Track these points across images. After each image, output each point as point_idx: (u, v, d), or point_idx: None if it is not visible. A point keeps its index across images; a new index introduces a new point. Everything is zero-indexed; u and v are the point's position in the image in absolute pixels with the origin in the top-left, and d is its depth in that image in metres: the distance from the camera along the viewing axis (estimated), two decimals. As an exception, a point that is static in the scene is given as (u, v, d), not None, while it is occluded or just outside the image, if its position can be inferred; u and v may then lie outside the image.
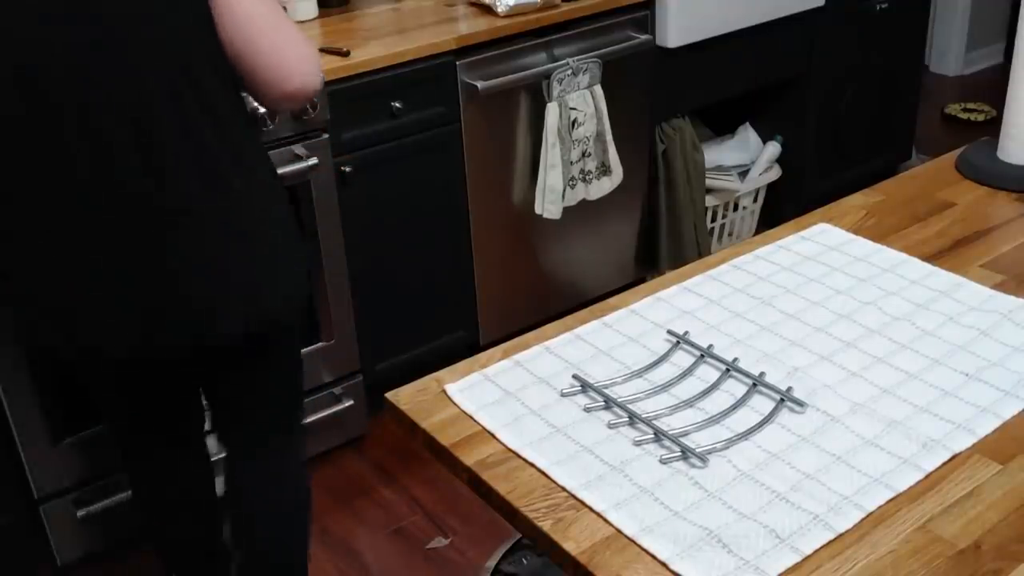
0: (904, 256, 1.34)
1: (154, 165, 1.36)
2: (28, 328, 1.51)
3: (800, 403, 1.06)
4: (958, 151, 1.62)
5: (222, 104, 1.41)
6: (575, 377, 1.11)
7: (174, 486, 1.77)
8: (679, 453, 0.99)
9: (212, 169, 1.41)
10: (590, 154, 2.53)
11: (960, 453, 0.98)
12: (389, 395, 1.11)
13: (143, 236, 1.39)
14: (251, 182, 1.46)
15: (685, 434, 1.02)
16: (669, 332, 1.19)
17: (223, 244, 1.44)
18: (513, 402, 1.09)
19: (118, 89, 1.32)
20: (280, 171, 1.75)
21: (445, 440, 1.04)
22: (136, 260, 1.40)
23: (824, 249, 1.37)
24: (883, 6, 3.15)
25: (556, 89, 2.40)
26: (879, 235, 1.40)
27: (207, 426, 1.79)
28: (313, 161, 2.05)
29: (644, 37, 2.58)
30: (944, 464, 0.97)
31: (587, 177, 2.55)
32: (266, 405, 1.67)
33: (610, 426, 1.04)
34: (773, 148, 3.10)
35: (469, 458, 1.01)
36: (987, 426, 1.02)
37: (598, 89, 2.48)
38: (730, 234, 3.15)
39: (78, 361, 1.56)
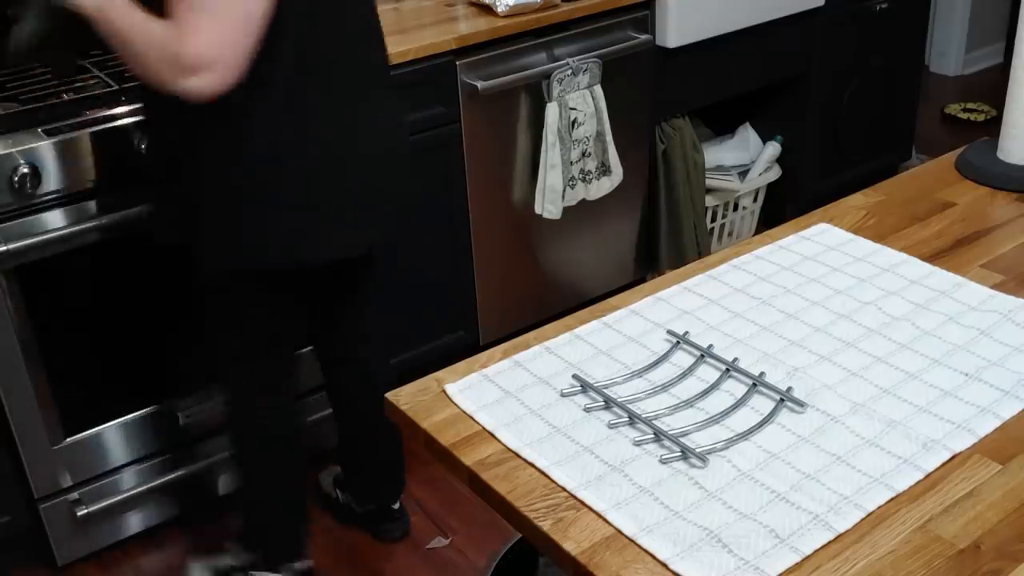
0: (904, 256, 1.34)
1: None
2: (272, 245, 1.63)
3: (800, 403, 1.06)
4: (958, 151, 1.62)
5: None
6: (575, 377, 1.11)
7: (290, 387, 1.90)
8: (679, 453, 0.99)
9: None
10: (590, 154, 2.53)
11: (960, 453, 0.98)
12: (389, 395, 1.11)
13: (361, 145, 1.63)
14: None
15: (685, 434, 1.02)
16: (669, 332, 1.19)
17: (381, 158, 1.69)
18: (513, 402, 1.09)
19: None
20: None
21: (445, 440, 1.04)
22: (358, 165, 1.64)
23: (824, 249, 1.37)
24: (883, 6, 3.15)
25: (556, 89, 2.40)
26: (879, 235, 1.40)
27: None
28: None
29: (644, 37, 2.58)
30: (944, 464, 0.97)
31: (587, 177, 2.55)
32: (370, 308, 1.95)
33: (610, 426, 1.04)
34: (773, 148, 3.10)
35: (469, 458, 1.01)
36: (987, 426, 1.02)
37: (598, 89, 2.48)
38: (730, 234, 3.15)
39: (294, 271, 1.72)
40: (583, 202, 2.59)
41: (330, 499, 2.23)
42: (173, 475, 2.13)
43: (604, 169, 2.58)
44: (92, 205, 1.86)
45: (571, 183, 2.50)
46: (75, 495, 2.03)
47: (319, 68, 1.55)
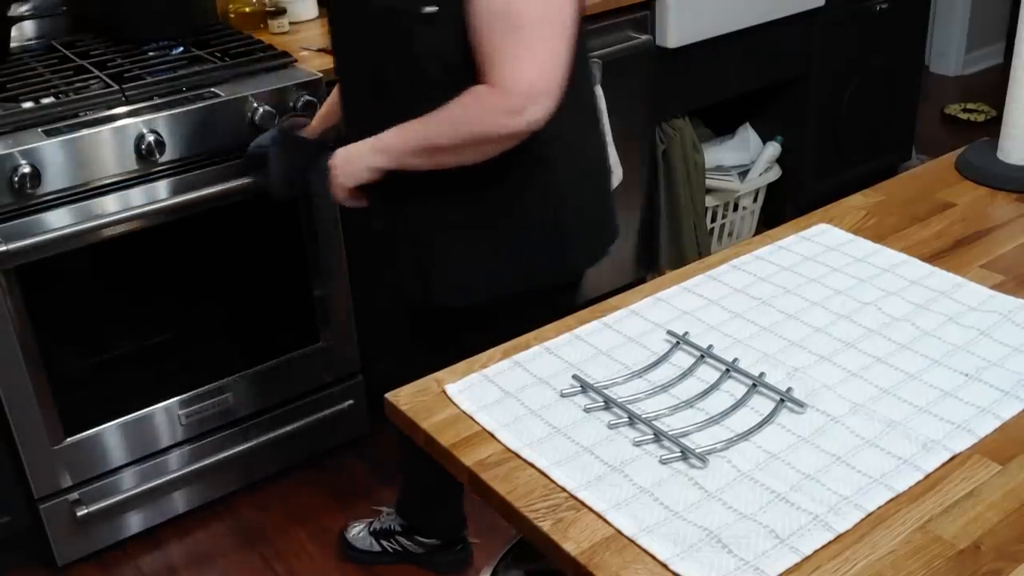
0: (904, 256, 1.34)
1: None
2: (591, 249, 1.64)
3: (800, 403, 1.06)
4: (958, 151, 1.62)
5: None
6: (575, 377, 1.11)
7: None
8: (679, 453, 0.99)
9: None
10: (590, 154, 2.52)
11: (960, 453, 0.98)
12: (389, 395, 1.11)
13: None
14: None
15: (685, 434, 1.02)
16: (669, 332, 1.19)
17: None
18: (513, 402, 1.09)
19: None
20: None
21: (445, 440, 1.04)
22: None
23: (824, 249, 1.37)
24: (883, 6, 3.15)
25: (556, 89, 2.39)
26: (879, 235, 1.40)
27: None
28: (313, 161, 2.05)
29: (644, 37, 2.58)
30: (944, 464, 0.97)
31: (587, 177, 2.55)
32: None
33: (610, 426, 1.04)
34: (773, 148, 3.10)
35: (469, 458, 1.01)
36: (987, 426, 1.02)
37: (598, 89, 2.48)
38: (730, 234, 3.15)
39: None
40: (583, 202, 2.58)
41: (371, 553, 2.11)
42: (173, 475, 2.13)
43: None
44: (92, 205, 1.86)
45: (571, 183, 2.50)
46: (75, 495, 2.03)
47: (584, 66, 1.57)
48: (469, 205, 1.52)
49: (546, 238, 1.55)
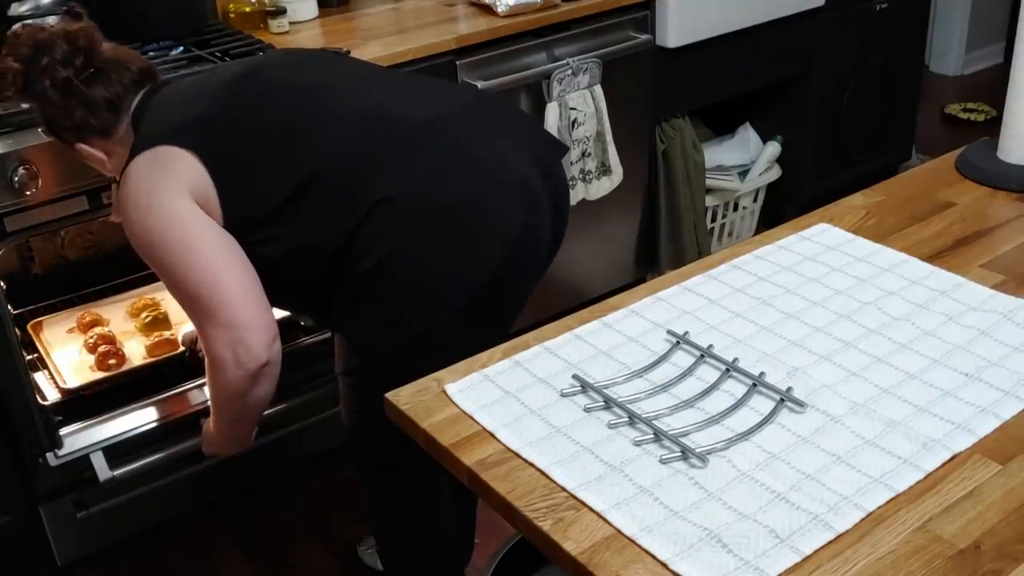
0: (904, 256, 1.34)
1: None
2: None
3: (800, 403, 1.06)
4: (958, 151, 1.62)
5: None
6: (575, 377, 1.11)
7: None
8: (679, 453, 0.99)
9: None
10: (590, 154, 2.53)
11: (960, 453, 0.98)
12: (389, 395, 1.11)
13: None
14: None
15: (685, 434, 1.02)
16: (669, 332, 1.19)
17: None
18: (513, 402, 1.09)
19: None
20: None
21: (445, 440, 1.04)
22: None
23: (824, 249, 1.37)
24: (883, 6, 3.15)
25: (556, 89, 2.40)
26: (879, 235, 1.40)
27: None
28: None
29: (644, 37, 2.58)
30: (944, 464, 0.97)
31: (587, 177, 2.55)
32: None
33: (610, 426, 1.04)
34: (773, 148, 3.10)
35: (469, 458, 1.01)
36: (987, 426, 1.01)
37: (598, 89, 2.48)
38: (730, 234, 3.15)
39: None
40: (583, 202, 2.59)
41: (375, 571, 2.11)
42: (173, 475, 2.13)
43: (604, 169, 2.58)
44: (92, 205, 1.86)
45: (571, 183, 2.50)
46: (75, 495, 2.03)
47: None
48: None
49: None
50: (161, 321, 2.17)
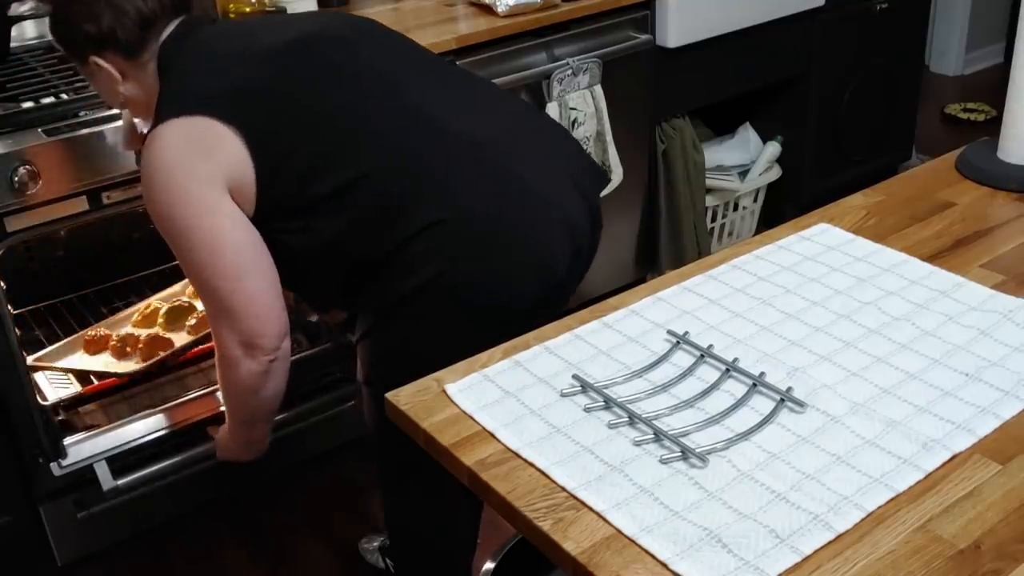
0: (904, 256, 1.34)
1: None
2: None
3: (800, 403, 1.06)
4: (958, 151, 1.62)
5: None
6: (575, 377, 1.11)
7: None
8: (679, 453, 0.99)
9: None
10: (590, 154, 2.53)
11: (960, 453, 0.98)
12: (389, 395, 1.11)
13: None
14: None
15: (685, 434, 1.02)
16: (669, 332, 1.19)
17: None
18: (513, 402, 1.09)
19: None
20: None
21: (445, 440, 1.04)
22: None
23: (824, 249, 1.37)
24: (883, 6, 3.15)
25: (556, 89, 2.40)
26: (879, 235, 1.40)
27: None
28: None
29: (644, 37, 2.58)
30: (944, 464, 0.97)
31: (587, 177, 2.55)
32: None
33: (610, 426, 1.04)
34: (773, 148, 3.10)
35: (469, 458, 1.01)
36: (987, 426, 1.01)
37: (598, 89, 2.48)
38: (730, 234, 3.15)
39: None
40: (583, 202, 2.58)
41: (376, 570, 2.12)
42: (173, 476, 2.13)
43: (604, 169, 2.58)
44: (92, 205, 1.86)
45: (571, 183, 2.50)
46: (75, 495, 2.03)
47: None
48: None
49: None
50: (186, 308, 2.17)
